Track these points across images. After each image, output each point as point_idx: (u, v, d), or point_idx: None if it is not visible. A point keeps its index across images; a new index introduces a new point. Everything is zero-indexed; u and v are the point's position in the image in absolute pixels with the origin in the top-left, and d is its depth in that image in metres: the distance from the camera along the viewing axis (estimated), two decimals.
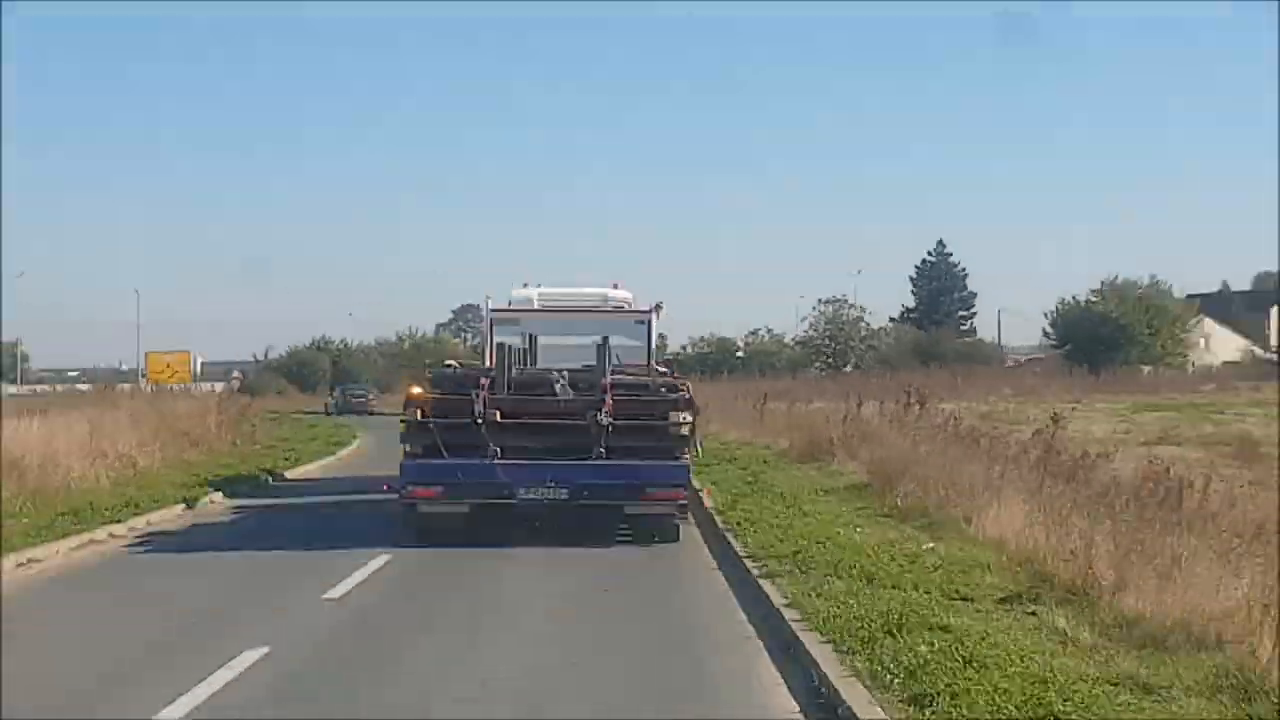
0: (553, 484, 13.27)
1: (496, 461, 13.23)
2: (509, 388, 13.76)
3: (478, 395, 13.43)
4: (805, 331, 79.46)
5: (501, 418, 13.50)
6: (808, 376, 61.61)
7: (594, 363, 14.43)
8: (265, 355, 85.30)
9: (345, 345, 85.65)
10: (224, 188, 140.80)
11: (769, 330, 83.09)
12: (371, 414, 52.13)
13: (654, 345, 18.59)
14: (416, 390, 14.07)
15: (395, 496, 13.91)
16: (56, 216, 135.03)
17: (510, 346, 14.78)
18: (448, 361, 19.35)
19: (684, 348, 74.14)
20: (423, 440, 13.63)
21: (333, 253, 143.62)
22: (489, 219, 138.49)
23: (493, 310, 17.98)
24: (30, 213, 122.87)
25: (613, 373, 14.43)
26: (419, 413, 13.67)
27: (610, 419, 13.29)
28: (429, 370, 16.83)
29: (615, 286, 18.85)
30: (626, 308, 18.24)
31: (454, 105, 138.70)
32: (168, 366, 68.75)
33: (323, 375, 78.34)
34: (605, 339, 16.02)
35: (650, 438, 13.63)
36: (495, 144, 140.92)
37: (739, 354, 77.25)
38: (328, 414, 53.35)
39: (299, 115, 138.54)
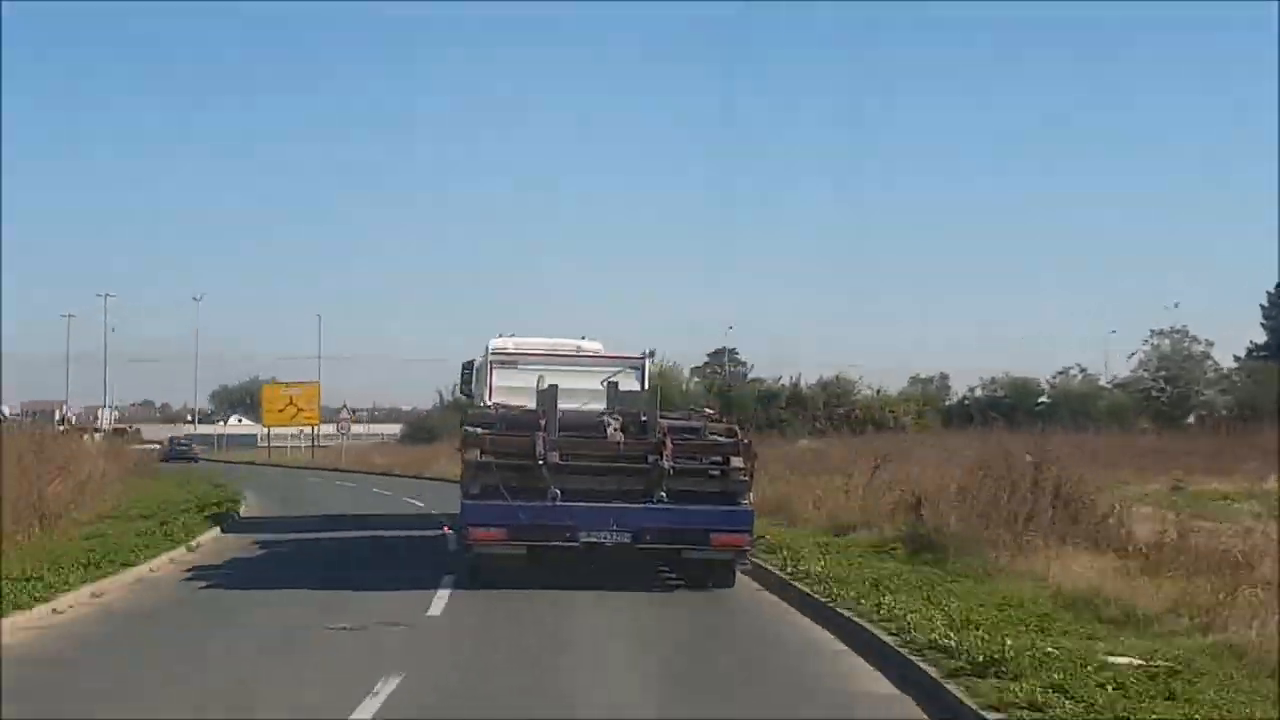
0: (616, 527, 13.32)
1: (559, 504, 13.27)
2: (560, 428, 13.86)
3: (539, 436, 13.49)
4: (1134, 370, 62.31)
5: (560, 458, 13.58)
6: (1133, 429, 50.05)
7: (602, 405, 15.23)
8: None
9: None
10: None
11: (1081, 369, 64.72)
12: (196, 460, 57.21)
13: (647, 390, 18.41)
14: (476, 429, 14.08)
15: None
16: None
17: (551, 387, 14.83)
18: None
19: (972, 390, 63.59)
20: (482, 481, 13.64)
21: None
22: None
23: (494, 353, 18.46)
24: None
25: (661, 417, 14.67)
26: (478, 453, 13.69)
27: (671, 462, 13.41)
28: (470, 410, 16.81)
29: (583, 339, 19.67)
30: (620, 355, 18.89)
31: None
32: None
33: None
34: (615, 383, 16.48)
35: (712, 482, 13.76)
36: None
37: (1042, 399, 61.24)
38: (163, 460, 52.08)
39: None
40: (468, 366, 20.38)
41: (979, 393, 62.63)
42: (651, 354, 21.20)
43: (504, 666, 9.88)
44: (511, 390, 17.15)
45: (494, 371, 18.11)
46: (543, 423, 13.78)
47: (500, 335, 19.62)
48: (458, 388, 23.94)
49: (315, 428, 70.43)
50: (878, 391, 60.70)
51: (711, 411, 16.95)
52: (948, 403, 64.99)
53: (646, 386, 17.85)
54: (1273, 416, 37.34)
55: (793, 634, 11.68)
